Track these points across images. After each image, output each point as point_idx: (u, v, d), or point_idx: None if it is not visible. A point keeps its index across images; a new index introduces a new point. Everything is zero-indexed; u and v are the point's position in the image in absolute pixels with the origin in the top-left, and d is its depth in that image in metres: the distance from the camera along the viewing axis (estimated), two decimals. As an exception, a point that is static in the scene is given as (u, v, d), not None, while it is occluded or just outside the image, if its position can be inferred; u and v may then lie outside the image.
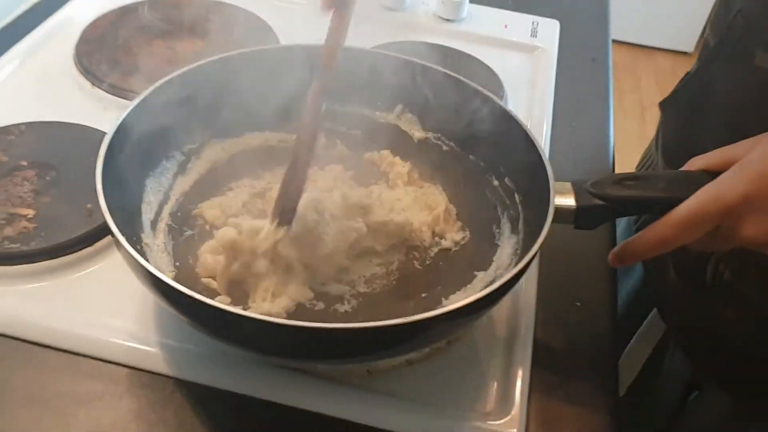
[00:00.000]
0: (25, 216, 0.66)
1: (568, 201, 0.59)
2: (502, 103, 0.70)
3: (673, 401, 0.89)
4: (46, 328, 0.59)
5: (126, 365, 0.58)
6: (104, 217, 0.52)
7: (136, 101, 0.62)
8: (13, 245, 0.63)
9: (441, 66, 0.73)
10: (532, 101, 0.93)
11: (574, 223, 0.60)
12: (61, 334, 0.59)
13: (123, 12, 0.97)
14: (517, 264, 0.54)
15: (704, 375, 0.82)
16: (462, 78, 0.71)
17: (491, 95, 0.69)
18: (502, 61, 0.98)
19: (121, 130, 0.59)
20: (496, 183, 0.69)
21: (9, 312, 0.60)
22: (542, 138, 0.87)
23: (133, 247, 0.51)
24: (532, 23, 1.07)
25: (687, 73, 0.78)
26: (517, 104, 0.92)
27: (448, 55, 0.96)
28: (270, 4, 1.02)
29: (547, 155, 0.84)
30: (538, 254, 0.69)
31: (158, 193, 0.66)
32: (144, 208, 0.63)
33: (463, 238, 0.69)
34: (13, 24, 0.95)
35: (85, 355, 0.58)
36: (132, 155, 0.61)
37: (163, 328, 0.60)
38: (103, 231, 0.65)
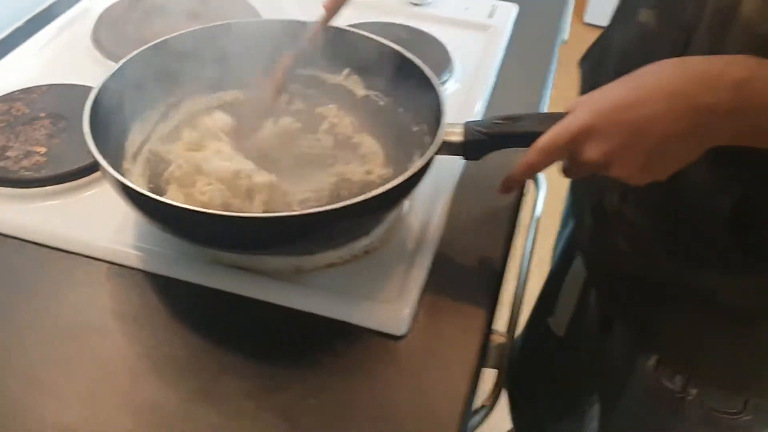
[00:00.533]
0: (39, 152, 0.84)
1: (459, 137, 0.74)
2: (424, 67, 0.84)
3: (593, 341, 1.02)
4: (51, 234, 0.77)
5: (108, 261, 0.75)
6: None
7: (117, 66, 0.79)
8: (27, 173, 0.81)
9: (398, 43, 0.88)
10: (476, 74, 1.07)
11: (463, 154, 0.75)
12: (62, 238, 0.77)
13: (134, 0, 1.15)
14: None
15: (613, 312, 0.95)
16: (394, 46, 0.86)
17: (415, 60, 0.84)
18: (458, 39, 1.12)
19: (106, 87, 0.76)
20: (415, 129, 0.84)
21: (24, 223, 0.78)
22: (480, 103, 1.01)
23: (115, 170, 0.68)
24: (492, 6, 1.21)
25: None
26: (464, 76, 1.06)
27: (407, 33, 1.11)
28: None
29: (481, 111, 0.99)
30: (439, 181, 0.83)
31: (141, 134, 0.82)
32: (127, 144, 0.80)
33: (387, 173, 0.84)
34: (47, 11, 1.14)
35: (79, 254, 0.76)
36: (118, 104, 0.78)
37: (137, 235, 0.77)
38: (98, 165, 0.82)
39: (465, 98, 1.01)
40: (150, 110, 0.84)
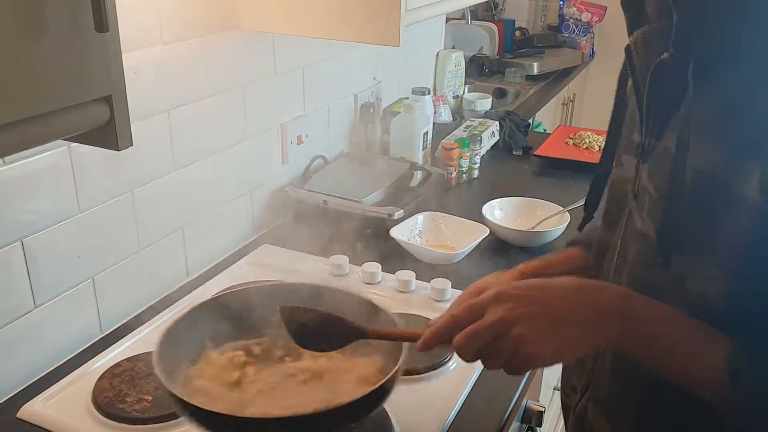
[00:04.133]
0: (147, 399, 1.23)
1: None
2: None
3: None
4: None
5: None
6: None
7: (173, 317, 1.19)
8: (136, 414, 1.20)
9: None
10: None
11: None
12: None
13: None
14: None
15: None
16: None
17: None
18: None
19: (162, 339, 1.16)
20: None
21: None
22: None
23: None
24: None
25: None
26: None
27: (420, 320, 1.49)
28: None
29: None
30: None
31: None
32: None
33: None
34: (167, 297, 1.61)
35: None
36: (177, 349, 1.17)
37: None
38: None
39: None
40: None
